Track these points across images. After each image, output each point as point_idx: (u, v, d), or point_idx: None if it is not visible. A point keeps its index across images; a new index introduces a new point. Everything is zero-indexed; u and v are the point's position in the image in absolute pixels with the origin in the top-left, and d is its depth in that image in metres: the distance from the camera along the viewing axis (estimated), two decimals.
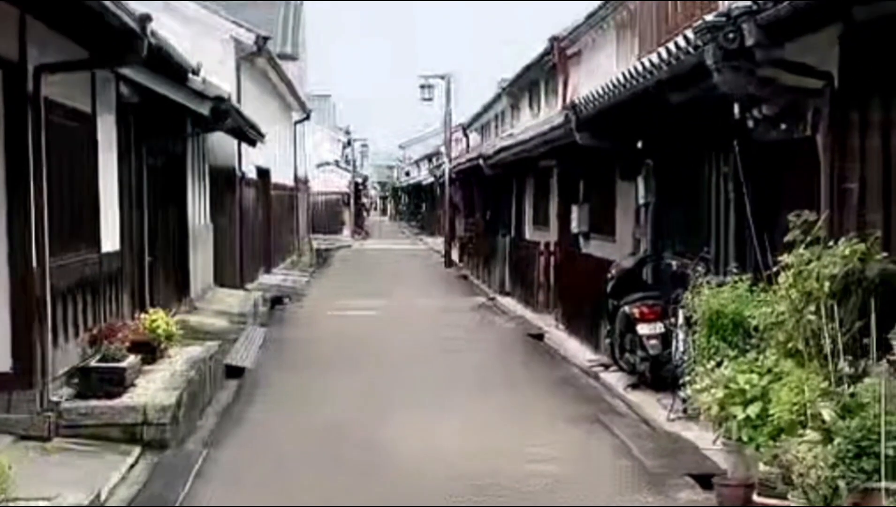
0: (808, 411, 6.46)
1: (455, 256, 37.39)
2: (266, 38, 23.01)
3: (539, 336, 17.56)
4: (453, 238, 38.29)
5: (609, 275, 12.97)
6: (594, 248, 16.89)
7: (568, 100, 23.76)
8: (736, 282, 8.65)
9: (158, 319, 11.88)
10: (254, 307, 20.61)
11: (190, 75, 12.72)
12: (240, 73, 22.97)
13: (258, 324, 19.21)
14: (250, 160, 25.83)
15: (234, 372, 13.88)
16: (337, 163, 62.62)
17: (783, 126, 8.98)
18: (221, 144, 22.47)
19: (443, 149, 42.04)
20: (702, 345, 8.39)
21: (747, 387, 7.07)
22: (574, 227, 17.75)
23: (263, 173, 28.96)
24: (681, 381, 10.07)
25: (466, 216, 36.99)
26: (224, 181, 22.80)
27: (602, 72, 17.59)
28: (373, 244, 54.48)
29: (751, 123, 9.54)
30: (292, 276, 30.02)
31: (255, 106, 26.40)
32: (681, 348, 10.31)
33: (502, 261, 24.86)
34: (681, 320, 10.38)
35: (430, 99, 39.00)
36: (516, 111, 33.79)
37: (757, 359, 7.36)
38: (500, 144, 23.77)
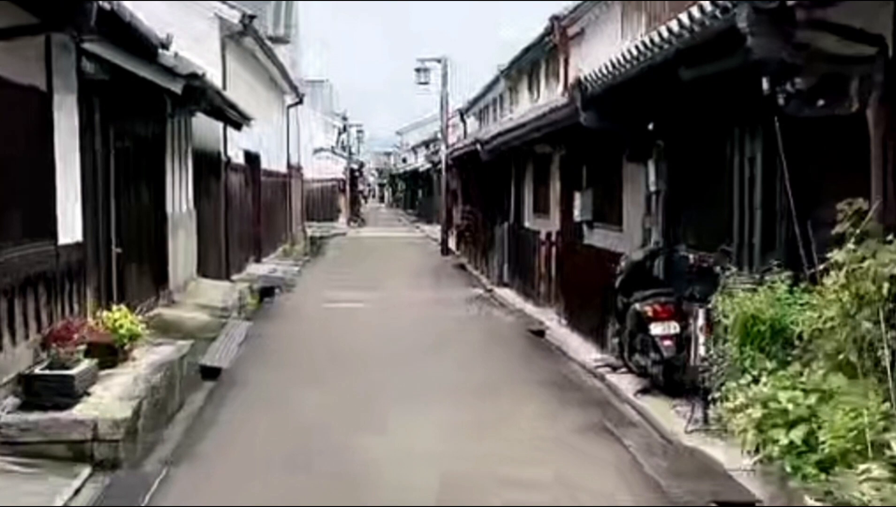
0: (869, 439, 5.37)
1: (452, 244, 36.31)
2: (252, 17, 21.84)
3: (540, 332, 16.45)
4: (450, 226, 37.14)
5: (618, 269, 11.85)
6: (599, 238, 15.78)
7: (569, 82, 22.72)
8: (773, 282, 7.49)
9: (122, 317, 10.76)
10: (238, 300, 19.52)
11: (160, 50, 11.60)
12: (225, 53, 21.83)
13: (242, 318, 18.13)
14: (238, 145, 24.74)
15: (211, 373, 12.82)
16: (333, 149, 61.41)
17: (821, 101, 7.86)
18: (206, 127, 21.39)
19: (440, 135, 40.90)
20: (734, 355, 7.24)
21: (790, 407, 5.99)
22: (577, 215, 16.60)
23: (253, 159, 27.85)
24: (701, 388, 9.06)
25: (464, 203, 35.82)
26: (209, 167, 21.70)
27: (605, 52, 16.34)
28: (369, 232, 53.36)
29: (782, 99, 8.43)
30: (283, 265, 28.91)
31: (244, 89, 25.32)
32: (701, 352, 9.22)
33: (501, 250, 23.73)
34: (700, 321, 9.29)
35: (426, 83, 37.81)
36: (515, 95, 32.68)
37: (801, 373, 6.28)
38: (498, 129, 22.62)
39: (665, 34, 9.09)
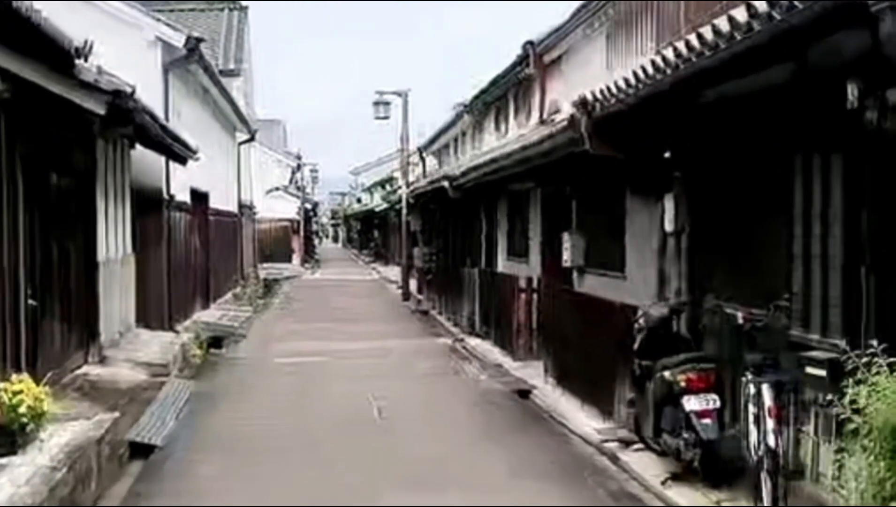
0: None
1: (413, 287, 34.20)
2: (199, 40, 19.70)
3: (525, 393, 14.38)
4: (411, 268, 35.03)
5: (635, 325, 9.81)
6: (593, 285, 13.81)
7: (545, 115, 20.83)
8: None
9: (23, 391, 8.57)
10: (181, 353, 17.31)
11: (78, 61, 9.48)
12: (168, 80, 19.67)
13: (185, 376, 15.92)
14: (185, 182, 22.56)
15: (142, 450, 10.65)
16: (286, 189, 59.17)
17: None
18: (148, 162, 19.25)
19: (398, 174, 38.91)
20: (876, 476, 5.18)
21: None
22: (566, 259, 14.62)
23: (202, 197, 25.67)
24: (767, 485, 7.08)
25: (426, 244, 33.78)
26: (150, 205, 19.55)
27: (589, 83, 14.13)
28: (324, 275, 51.09)
29: (871, 115, 6.54)
30: (234, 311, 26.62)
31: (189, 121, 23.20)
32: (770, 442, 7.23)
33: (470, 296, 21.64)
34: (768, 400, 7.30)
35: (385, 117, 35.69)
36: (478, 133, 30.86)
37: None
38: (470, 163, 20.63)
39: (696, 44, 7.18)
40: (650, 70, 8.30)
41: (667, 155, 10.30)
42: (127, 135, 11.49)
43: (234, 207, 33.85)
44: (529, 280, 17.11)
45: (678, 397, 8.65)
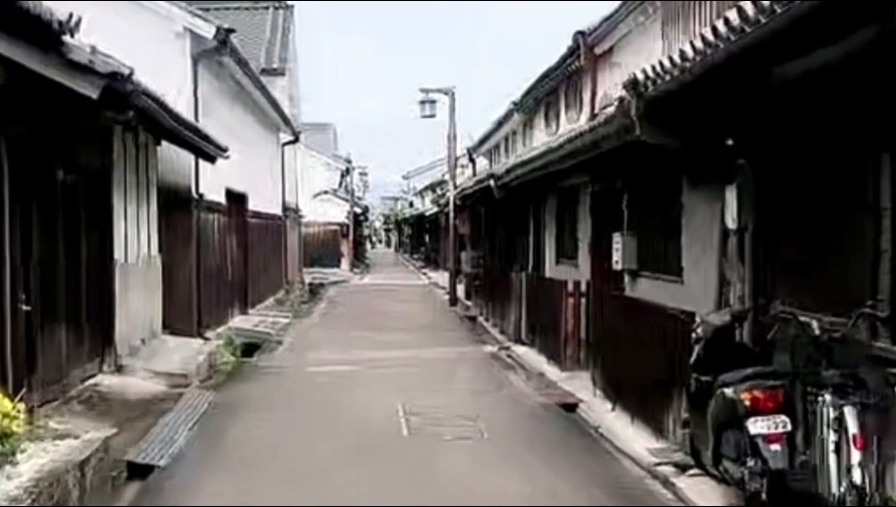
0: None
1: (461, 292, 33.06)
2: (229, 31, 18.73)
3: (571, 407, 13.20)
4: (459, 273, 33.87)
5: (692, 335, 8.58)
6: (645, 290, 12.61)
7: (597, 108, 19.62)
8: None
9: None
10: (207, 362, 16.35)
11: (68, 40, 8.49)
12: (197, 72, 18.73)
13: (209, 386, 14.92)
14: (219, 182, 21.64)
15: (140, 471, 9.61)
16: (335, 192, 58.31)
17: None
18: (179, 161, 18.37)
19: (447, 176, 37.79)
20: None
21: None
22: (617, 262, 13.41)
23: (239, 198, 24.76)
24: None
25: (474, 248, 32.62)
26: (180, 205, 18.65)
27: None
28: (372, 279, 50.13)
29: None
30: (273, 317, 25.70)
31: (225, 120, 22.31)
32: (855, 477, 6.03)
33: (517, 302, 20.43)
34: (852, 426, 6.10)
35: (432, 116, 34.60)
36: (529, 130, 29.68)
37: None
38: (518, 160, 19.48)
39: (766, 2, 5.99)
40: (710, 37, 7.10)
41: (729, 142, 9.08)
42: (127, 122, 10.42)
43: (277, 210, 32.96)
44: (578, 284, 15.92)
45: (742, 419, 7.41)
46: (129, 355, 14.73)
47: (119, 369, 14.10)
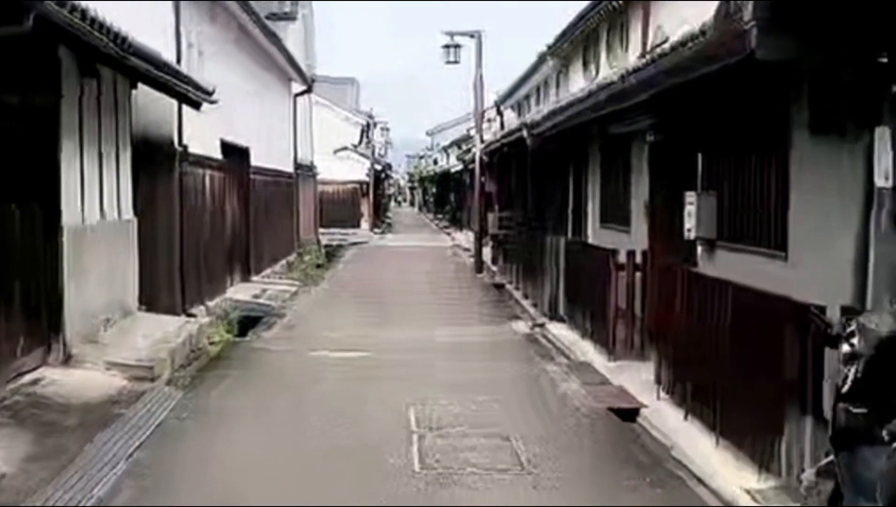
0: None
1: (487, 256, 30.19)
2: None
3: (630, 413, 10.41)
4: (485, 235, 30.99)
5: (842, 350, 5.70)
6: (727, 265, 9.74)
7: (649, 45, 16.70)
8: None
9: None
10: (188, 346, 13.67)
11: None
12: (179, 7, 15.94)
13: (179, 382, 12.10)
14: (217, 135, 18.91)
15: None
16: (355, 147, 55.27)
17: None
18: (164, 110, 15.65)
19: (473, 129, 34.86)
20: None
21: None
22: (690, 229, 10.52)
23: (240, 153, 22.00)
24: None
25: (502, 208, 29.71)
26: (163, 161, 15.92)
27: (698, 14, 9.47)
28: (393, 241, 47.36)
29: None
30: (277, 286, 23.01)
31: (224, 66, 19.60)
32: None
33: (553, 271, 17.54)
34: None
35: (456, 62, 31.59)
36: (564, 77, 26.79)
37: None
38: (558, 105, 16.58)
39: None
40: None
41: (883, 59, 6.19)
42: (20, 34, 7.55)
43: (288, 167, 30.18)
44: (632, 254, 13.10)
45: None
46: (86, 342, 12.04)
47: (67, 360, 11.43)
